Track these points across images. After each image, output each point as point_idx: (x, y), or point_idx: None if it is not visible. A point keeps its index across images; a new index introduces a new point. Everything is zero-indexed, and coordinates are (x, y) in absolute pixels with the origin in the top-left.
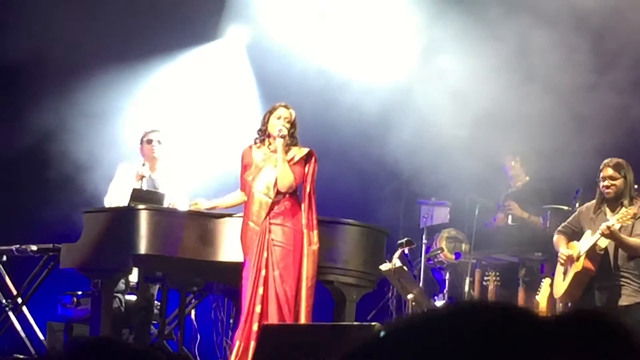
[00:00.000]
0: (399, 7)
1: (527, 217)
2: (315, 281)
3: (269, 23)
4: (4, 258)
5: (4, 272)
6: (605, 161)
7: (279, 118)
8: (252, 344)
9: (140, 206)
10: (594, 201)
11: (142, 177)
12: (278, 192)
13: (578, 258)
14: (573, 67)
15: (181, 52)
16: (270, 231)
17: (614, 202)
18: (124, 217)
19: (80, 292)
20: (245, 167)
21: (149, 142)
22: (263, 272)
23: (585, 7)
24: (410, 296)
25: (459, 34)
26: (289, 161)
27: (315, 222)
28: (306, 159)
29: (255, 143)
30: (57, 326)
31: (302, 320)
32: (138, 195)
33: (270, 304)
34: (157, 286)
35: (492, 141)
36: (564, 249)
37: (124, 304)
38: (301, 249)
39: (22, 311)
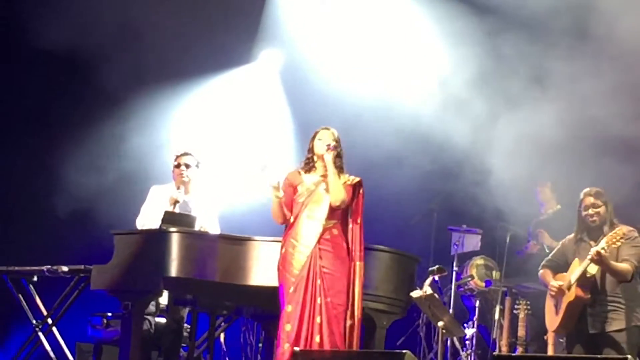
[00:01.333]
0: (429, 36)
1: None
2: (362, 309)
3: (302, 47)
4: (35, 278)
5: (35, 292)
6: (585, 191)
7: (320, 139)
8: None
9: (172, 229)
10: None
11: (176, 201)
12: (329, 217)
13: (569, 288)
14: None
15: (215, 75)
16: (320, 257)
17: (596, 231)
18: (155, 240)
19: (110, 314)
20: (293, 188)
21: (178, 166)
22: (319, 300)
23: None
24: (440, 323)
25: (490, 63)
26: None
27: (362, 253)
28: (355, 187)
29: (303, 168)
30: (86, 347)
31: (354, 348)
32: (170, 218)
33: (324, 331)
34: (187, 309)
35: (524, 168)
36: (553, 281)
37: (153, 326)
38: (349, 276)
39: (51, 332)
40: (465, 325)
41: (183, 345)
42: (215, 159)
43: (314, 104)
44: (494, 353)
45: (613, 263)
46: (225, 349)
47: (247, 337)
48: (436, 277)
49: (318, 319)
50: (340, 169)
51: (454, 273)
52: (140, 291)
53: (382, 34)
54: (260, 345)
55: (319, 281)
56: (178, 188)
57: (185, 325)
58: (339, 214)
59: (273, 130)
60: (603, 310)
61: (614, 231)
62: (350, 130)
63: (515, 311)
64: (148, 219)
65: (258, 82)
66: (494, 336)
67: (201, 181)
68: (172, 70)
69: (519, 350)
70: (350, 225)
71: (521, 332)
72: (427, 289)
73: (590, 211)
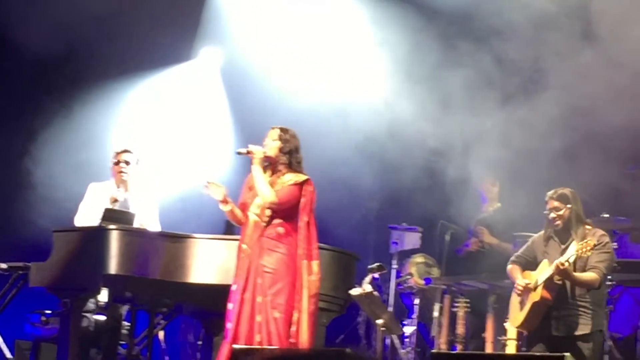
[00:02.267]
0: (378, 32)
1: (497, 244)
2: (315, 309)
3: (243, 45)
4: None
5: None
6: (549, 193)
7: (265, 142)
8: None
9: (111, 226)
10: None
11: (116, 200)
12: (272, 217)
13: (535, 288)
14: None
15: (155, 72)
16: (261, 256)
17: (564, 233)
18: (95, 237)
19: (49, 311)
20: (249, 189)
21: (118, 163)
22: (259, 299)
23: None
24: (379, 321)
25: (437, 61)
26: (283, 183)
27: (315, 252)
28: (302, 185)
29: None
30: (24, 345)
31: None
32: (109, 215)
33: (263, 330)
34: (127, 306)
35: (465, 166)
36: (520, 279)
37: (92, 324)
38: (295, 277)
39: None
40: (404, 323)
41: (122, 342)
42: (156, 156)
43: (254, 102)
44: (433, 351)
45: (577, 275)
46: (164, 347)
47: (186, 335)
48: (376, 275)
49: (258, 318)
50: (287, 167)
51: (394, 271)
52: (79, 288)
53: (324, 31)
54: (199, 342)
55: (259, 280)
56: (118, 187)
57: (125, 322)
58: (287, 213)
59: (213, 128)
60: (569, 313)
61: (585, 241)
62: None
63: (454, 309)
64: (87, 216)
65: (198, 79)
66: (433, 334)
67: (141, 178)
68: (112, 67)
69: (458, 348)
70: (299, 224)
71: (460, 329)
72: (366, 287)
73: (553, 214)
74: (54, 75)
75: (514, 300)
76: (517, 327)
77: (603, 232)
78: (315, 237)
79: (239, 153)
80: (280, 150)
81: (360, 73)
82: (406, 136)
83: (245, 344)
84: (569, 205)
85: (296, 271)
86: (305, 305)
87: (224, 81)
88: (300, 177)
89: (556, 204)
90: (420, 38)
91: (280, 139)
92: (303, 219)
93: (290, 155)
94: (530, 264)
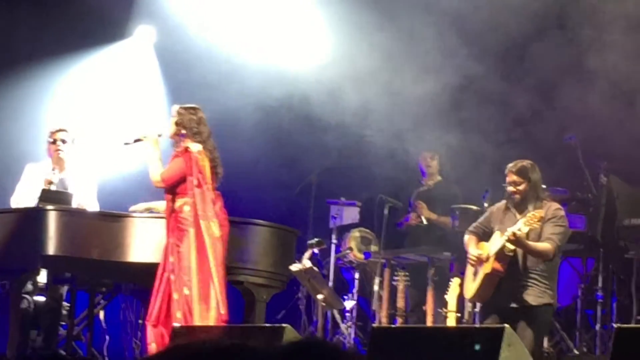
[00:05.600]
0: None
1: (436, 218)
2: (225, 275)
3: (177, 22)
4: None
5: None
6: (509, 166)
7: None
8: None
9: (49, 207)
10: (504, 201)
11: (50, 182)
12: (178, 193)
13: (487, 259)
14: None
15: (89, 51)
16: (172, 235)
17: (521, 205)
18: (32, 218)
19: None
20: None
21: (54, 142)
22: (172, 277)
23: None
24: (320, 296)
25: (380, 32)
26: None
27: (211, 212)
28: (183, 155)
29: None
30: None
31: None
32: (46, 196)
33: (182, 307)
34: (66, 287)
35: (403, 140)
36: (473, 249)
37: (32, 305)
38: (204, 250)
39: None
40: (345, 297)
41: (62, 323)
42: (92, 136)
43: (188, 79)
44: (374, 325)
45: (531, 243)
46: (105, 326)
47: (126, 314)
48: (315, 250)
49: (175, 296)
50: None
51: (333, 246)
52: (17, 270)
53: (261, 7)
54: (140, 322)
55: (171, 258)
56: (54, 167)
57: (65, 303)
58: (184, 186)
59: (147, 106)
60: (522, 284)
61: (531, 213)
62: (224, 104)
63: (394, 283)
64: (23, 197)
65: (133, 57)
66: (374, 308)
67: (77, 158)
68: (44, 47)
69: (399, 322)
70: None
71: (400, 303)
72: (306, 262)
73: (512, 188)
74: None
75: (469, 270)
76: (470, 298)
77: (558, 206)
78: (210, 197)
79: (126, 144)
80: (177, 124)
81: (299, 46)
82: (340, 109)
83: (167, 323)
84: (527, 179)
85: (203, 242)
86: (214, 274)
87: (158, 59)
88: (180, 148)
89: (515, 177)
90: None
91: (178, 114)
92: (193, 183)
93: (186, 128)
94: (487, 235)
